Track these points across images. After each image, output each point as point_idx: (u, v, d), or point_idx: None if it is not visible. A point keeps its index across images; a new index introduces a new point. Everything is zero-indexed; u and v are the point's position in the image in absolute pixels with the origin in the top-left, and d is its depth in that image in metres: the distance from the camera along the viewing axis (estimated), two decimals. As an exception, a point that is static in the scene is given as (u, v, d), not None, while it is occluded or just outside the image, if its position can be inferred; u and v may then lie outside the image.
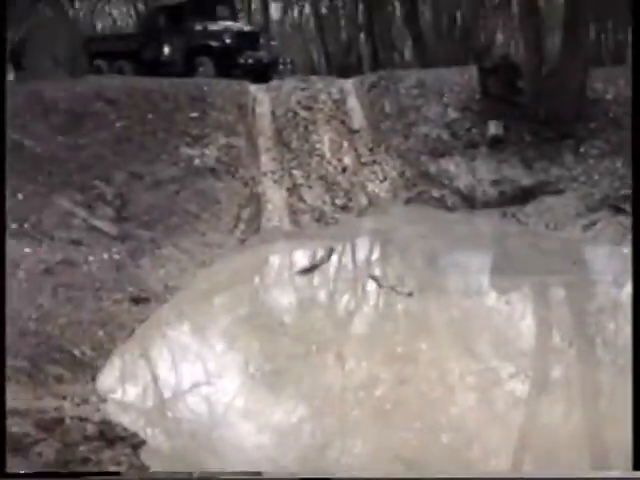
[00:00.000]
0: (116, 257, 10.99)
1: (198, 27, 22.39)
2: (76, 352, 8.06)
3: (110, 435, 6.40)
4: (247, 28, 24.92)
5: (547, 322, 9.53)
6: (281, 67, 23.66)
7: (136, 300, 9.74)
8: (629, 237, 11.53)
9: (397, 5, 31.02)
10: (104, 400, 7.33)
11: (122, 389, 7.88)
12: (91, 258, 10.70)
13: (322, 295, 11.03)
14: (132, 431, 6.64)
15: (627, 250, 10.64)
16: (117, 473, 5.49)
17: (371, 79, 17.50)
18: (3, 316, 6.55)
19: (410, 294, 9.90)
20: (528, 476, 5.49)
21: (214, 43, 21.74)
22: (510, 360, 8.23)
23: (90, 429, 6.34)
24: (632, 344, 5.32)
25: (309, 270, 11.30)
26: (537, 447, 6.66)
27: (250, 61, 21.67)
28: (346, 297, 10.81)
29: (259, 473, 5.67)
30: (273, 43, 25.48)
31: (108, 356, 8.36)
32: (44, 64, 28.67)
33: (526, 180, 13.89)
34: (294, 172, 14.86)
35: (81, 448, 6.07)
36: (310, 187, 14.52)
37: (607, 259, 11.52)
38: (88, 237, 11.50)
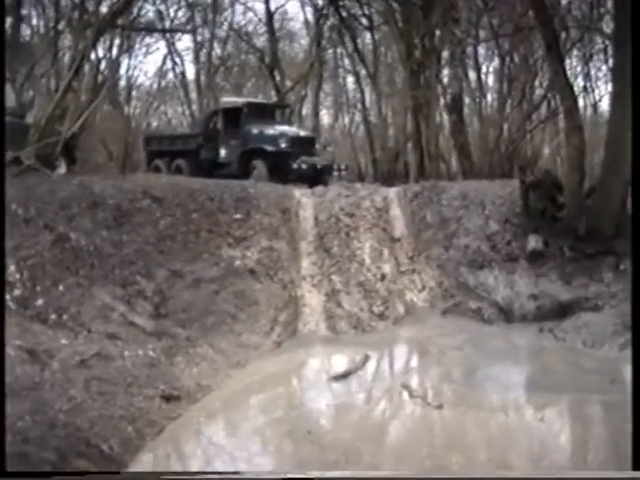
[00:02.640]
0: (151, 353, 11.06)
1: (254, 131, 22.85)
2: (104, 447, 8.07)
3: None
4: (303, 133, 25.30)
5: (583, 441, 9.40)
6: (335, 173, 23.89)
7: (168, 398, 9.76)
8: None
9: (444, 115, 31.42)
10: (128, 498, 7.32)
11: (149, 487, 7.86)
12: (126, 353, 10.79)
13: (356, 403, 10.93)
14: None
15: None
16: (117, 473, 5.40)
17: (414, 189, 17.67)
18: (3, 316, 6.54)
19: (440, 406, 9.84)
20: (528, 476, 5.38)
21: (269, 147, 22.12)
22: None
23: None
24: (632, 343, 5.24)
25: (344, 376, 11.29)
26: None
27: (304, 166, 21.93)
28: (380, 406, 10.75)
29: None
30: (329, 149, 25.82)
31: (136, 452, 8.37)
32: (97, 159, 29.41)
33: (564, 295, 13.86)
34: (333, 277, 14.94)
35: None
36: (348, 293, 14.58)
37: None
38: (125, 332, 11.62)
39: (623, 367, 11.71)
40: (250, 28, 41.60)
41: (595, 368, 11.58)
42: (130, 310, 12.28)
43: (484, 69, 35.66)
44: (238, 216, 15.53)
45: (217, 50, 42.87)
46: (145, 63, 79.26)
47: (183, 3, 38.81)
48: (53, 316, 11.28)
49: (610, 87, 19.14)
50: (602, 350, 12.29)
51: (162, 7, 37.39)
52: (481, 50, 33.55)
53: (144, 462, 8.29)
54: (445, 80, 30.41)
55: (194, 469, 8.32)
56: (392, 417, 10.31)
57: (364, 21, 35.43)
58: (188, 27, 39.03)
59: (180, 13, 39.54)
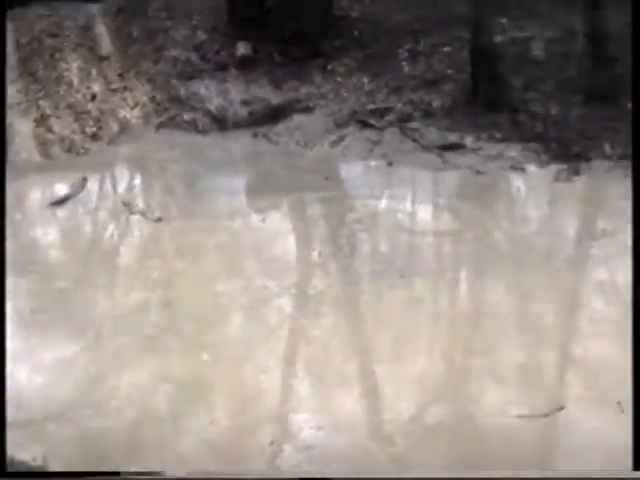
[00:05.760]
0: None
1: None
2: None
3: None
4: None
5: (305, 237, 9.88)
6: None
7: None
8: (376, 151, 12.13)
9: None
10: None
11: None
12: None
13: (83, 227, 10.88)
14: None
15: (374, 163, 11.27)
16: (118, 473, 5.25)
17: (117, 3, 17.04)
18: (3, 318, 6.20)
19: (159, 220, 9.99)
20: (529, 476, 5.64)
21: None
22: (272, 277, 8.51)
23: None
24: (632, 338, 5.47)
25: (63, 201, 11.09)
26: (305, 359, 7.15)
27: None
28: (107, 227, 10.75)
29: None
30: None
31: None
32: None
33: (276, 99, 14.03)
34: (41, 102, 14.34)
35: None
36: (59, 117, 14.09)
37: (357, 173, 11.99)
38: None
39: (336, 164, 12.34)
40: None
41: (310, 167, 12.03)
42: None
43: None
44: None
45: None
46: None
47: None
48: None
49: None
50: (315, 149, 12.72)
51: None
52: None
53: None
54: None
55: None
56: (121, 236, 10.37)
57: None
58: None
59: None
